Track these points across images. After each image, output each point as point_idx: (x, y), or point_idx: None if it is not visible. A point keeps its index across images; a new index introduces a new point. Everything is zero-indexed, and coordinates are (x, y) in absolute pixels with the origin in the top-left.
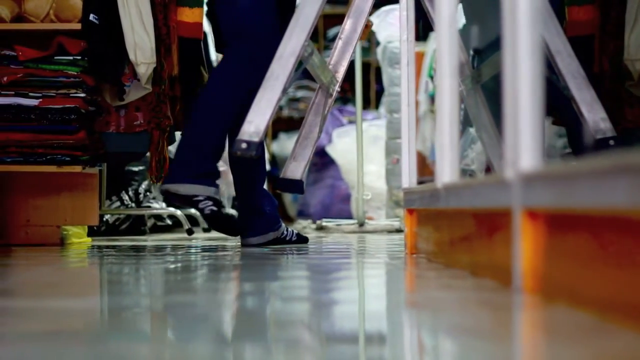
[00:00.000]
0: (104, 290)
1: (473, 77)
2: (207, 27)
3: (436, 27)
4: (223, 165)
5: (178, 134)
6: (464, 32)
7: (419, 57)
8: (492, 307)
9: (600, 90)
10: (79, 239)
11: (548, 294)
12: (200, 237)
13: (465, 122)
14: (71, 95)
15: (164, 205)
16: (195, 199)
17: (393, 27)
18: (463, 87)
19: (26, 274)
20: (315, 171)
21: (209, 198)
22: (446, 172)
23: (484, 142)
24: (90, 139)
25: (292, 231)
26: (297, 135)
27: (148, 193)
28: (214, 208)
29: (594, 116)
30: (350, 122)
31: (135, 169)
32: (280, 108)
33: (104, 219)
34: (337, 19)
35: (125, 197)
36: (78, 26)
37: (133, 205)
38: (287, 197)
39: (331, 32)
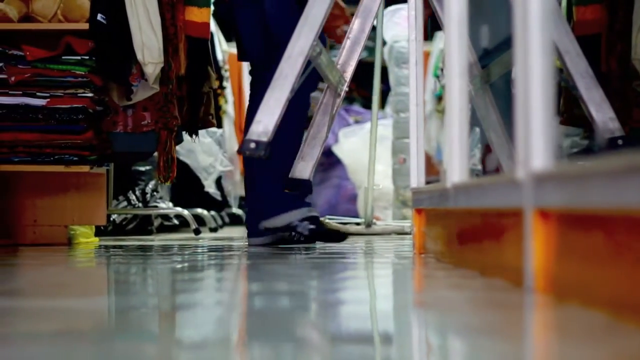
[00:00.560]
0: (112, 290)
1: (482, 77)
2: (213, 26)
3: (445, 27)
4: (229, 165)
5: (185, 134)
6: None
7: (425, 56)
8: (503, 307)
9: (608, 90)
10: (87, 238)
11: (560, 294)
12: (207, 237)
13: (472, 122)
14: (79, 95)
15: (170, 204)
16: (292, 225)
17: (399, 26)
18: (471, 87)
19: (34, 274)
20: (322, 171)
21: (304, 219)
22: (455, 172)
23: (493, 142)
24: (98, 139)
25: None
26: (305, 134)
27: (155, 193)
28: (312, 226)
29: (603, 116)
30: (357, 121)
31: (142, 168)
32: None
33: (111, 219)
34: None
35: (132, 197)
36: (86, 26)
37: (140, 205)
38: None
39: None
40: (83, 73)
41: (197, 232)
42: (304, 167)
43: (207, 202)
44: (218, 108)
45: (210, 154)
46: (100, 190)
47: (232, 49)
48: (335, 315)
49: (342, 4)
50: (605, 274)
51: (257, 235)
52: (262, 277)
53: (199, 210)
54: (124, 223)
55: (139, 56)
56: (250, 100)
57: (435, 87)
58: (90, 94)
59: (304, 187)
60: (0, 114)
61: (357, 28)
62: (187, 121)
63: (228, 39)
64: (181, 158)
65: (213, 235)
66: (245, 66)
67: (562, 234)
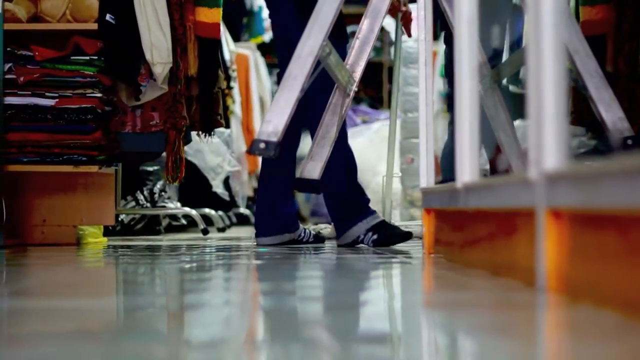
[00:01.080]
0: (121, 290)
1: (491, 77)
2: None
3: (455, 27)
4: (237, 165)
5: (194, 134)
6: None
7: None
8: (516, 307)
9: (615, 90)
10: (95, 238)
11: (572, 294)
12: (215, 237)
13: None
14: (87, 95)
15: (178, 204)
16: (359, 239)
17: None
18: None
19: (44, 274)
20: None
21: (369, 230)
22: (466, 172)
23: (502, 142)
24: (107, 139)
25: (310, 232)
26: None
27: (163, 193)
28: (375, 237)
29: (612, 116)
30: (364, 121)
31: (150, 168)
32: None
33: (119, 219)
34: (354, 19)
35: (140, 197)
36: (94, 26)
37: (148, 205)
38: (300, 197)
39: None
40: (92, 73)
41: (205, 232)
42: (313, 167)
43: (215, 202)
44: (225, 108)
45: (218, 154)
46: (108, 190)
47: (240, 49)
48: (345, 316)
49: None
50: (618, 273)
51: (265, 235)
52: (270, 277)
53: (207, 210)
54: (132, 223)
55: (148, 56)
56: None
57: (445, 87)
58: (99, 94)
59: (313, 187)
60: (9, 114)
61: (366, 28)
62: (199, 121)
63: (235, 39)
64: (189, 158)
65: (221, 235)
66: (253, 66)
67: (574, 233)
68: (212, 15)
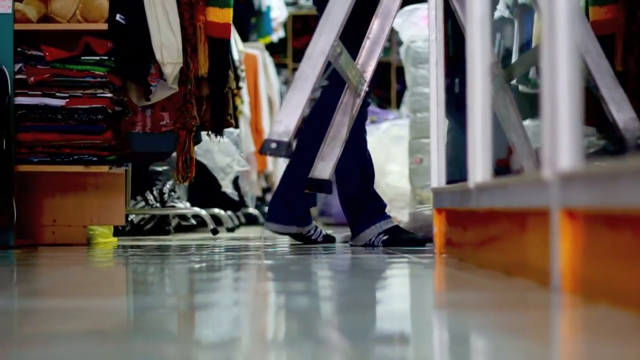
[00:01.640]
0: (132, 290)
1: (503, 77)
2: None
3: (467, 27)
4: (246, 165)
5: (204, 134)
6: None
7: None
8: (531, 307)
9: (625, 90)
10: (105, 239)
11: (588, 294)
12: (225, 237)
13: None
14: (98, 95)
15: (188, 204)
16: (371, 242)
17: (416, 26)
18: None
19: (55, 274)
20: None
21: (380, 233)
22: (478, 172)
23: (513, 142)
24: (117, 139)
25: (320, 231)
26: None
27: (172, 193)
28: (384, 238)
29: (624, 116)
30: (373, 121)
31: (160, 168)
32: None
33: (129, 219)
34: None
35: (150, 197)
36: (104, 26)
37: (158, 205)
38: None
39: None
40: (102, 73)
41: (214, 232)
42: (323, 167)
43: (224, 202)
44: (235, 108)
45: (228, 154)
46: (119, 190)
47: (248, 49)
48: (356, 316)
49: None
50: (633, 273)
51: (274, 222)
52: (279, 277)
53: (216, 210)
54: (141, 223)
55: (158, 56)
56: None
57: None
58: (109, 94)
59: (324, 187)
60: (19, 114)
61: (376, 28)
62: (209, 122)
63: (244, 39)
64: (198, 158)
65: (230, 235)
66: (261, 66)
67: (589, 233)
68: (223, 15)
